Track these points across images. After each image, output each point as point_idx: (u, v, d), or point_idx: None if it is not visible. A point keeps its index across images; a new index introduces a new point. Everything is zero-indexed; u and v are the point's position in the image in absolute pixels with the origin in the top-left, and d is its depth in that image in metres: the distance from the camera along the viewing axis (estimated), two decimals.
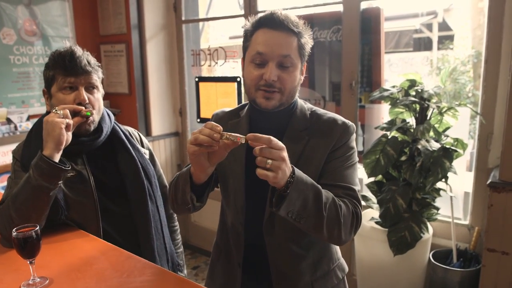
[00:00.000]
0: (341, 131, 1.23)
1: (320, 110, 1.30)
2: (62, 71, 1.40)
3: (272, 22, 1.17)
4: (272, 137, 1.00)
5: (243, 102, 3.28)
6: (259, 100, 1.20)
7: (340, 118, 1.27)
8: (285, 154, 1.02)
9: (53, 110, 1.33)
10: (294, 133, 1.24)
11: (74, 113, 1.36)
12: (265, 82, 1.16)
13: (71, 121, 1.32)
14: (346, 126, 1.25)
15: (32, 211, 1.30)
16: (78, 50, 1.44)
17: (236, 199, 1.27)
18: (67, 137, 1.32)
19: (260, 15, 1.21)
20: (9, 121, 2.83)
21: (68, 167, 1.33)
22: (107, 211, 1.46)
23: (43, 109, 3.00)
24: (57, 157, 1.30)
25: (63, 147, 1.31)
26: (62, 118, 1.31)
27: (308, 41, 1.21)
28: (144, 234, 1.48)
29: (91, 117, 1.41)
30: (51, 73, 1.43)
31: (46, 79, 1.46)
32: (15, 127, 2.84)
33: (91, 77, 1.44)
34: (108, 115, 1.56)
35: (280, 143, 1.01)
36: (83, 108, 1.38)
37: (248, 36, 1.23)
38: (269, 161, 0.98)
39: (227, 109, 1.42)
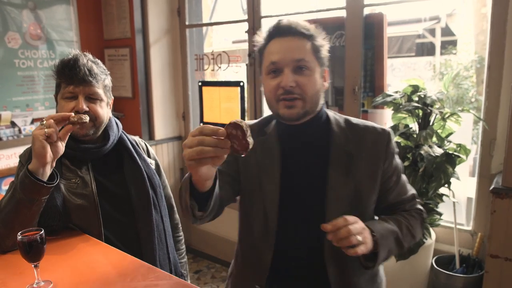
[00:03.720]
0: (386, 141, 1.22)
1: (353, 119, 1.27)
2: (64, 79, 1.41)
3: (280, 30, 1.14)
4: (344, 217, 1.02)
5: (246, 107, 3.24)
6: (282, 111, 1.14)
7: (377, 125, 1.26)
8: (361, 222, 1.06)
9: (40, 122, 1.27)
10: (340, 152, 1.19)
11: (70, 122, 1.29)
12: (283, 90, 1.11)
13: (51, 130, 1.23)
14: (386, 133, 1.24)
15: (15, 223, 1.28)
16: (83, 58, 1.42)
17: (267, 221, 1.20)
18: (56, 147, 1.26)
19: (267, 28, 1.19)
20: (13, 124, 2.85)
21: (55, 182, 1.29)
22: (110, 218, 1.46)
23: (47, 113, 3.01)
24: (43, 171, 1.25)
25: (47, 159, 1.23)
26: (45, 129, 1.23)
27: (323, 44, 1.17)
28: (147, 243, 1.48)
29: (86, 122, 1.34)
30: (57, 80, 1.44)
31: (55, 85, 1.47)
32: (19, 131, 2.86)
33: (91, 87, 1.41)
34: (117, 124, 1.57)
35: (351, 217, 1.03)
36: (71, 114, 1.30)
37: (262, 51, 1.20)
38: (358, 237, 1.01)
39: (252, 121, 1.31)
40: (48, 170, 1.27)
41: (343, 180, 1.17)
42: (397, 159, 1.26)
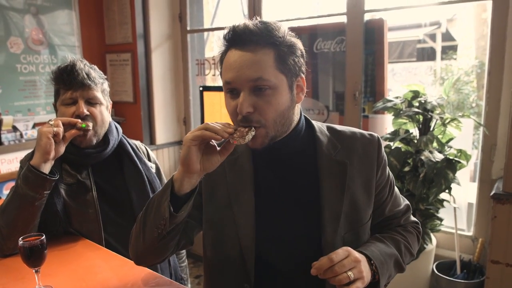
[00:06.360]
0: (377, 148, 1.10)
1: (338, 126, 1.14)
2: (63, 85, 1.42)
3: (237, 39, 0.96)
4: (330, 255, 0.91)
5: None
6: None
7: (364, 131, 1.13)
8: (354, 254, 0.94)
9: (47, 121, 1.33)
10: (331, 162, 1.05)
11: (72, 126, 1.36)
12: (241, 117, 0.96)
13: (59, 129, 1.30)
14: (376, 139, 1.11)
15: (18, 220, 1.30)
16: (79, 63, 1.43)
17: (245, 261, 1.03)
18: (59, 147, 1.32)
19: (224, 31, 1.00)
20: (15, 129, 2.85)
21: (56, 177, 1.32)
22: (111, 222, 1.47)
23: (48, 117, 3.01)
24: (44, 167, 1.30)
25: (51, 156, 1.30)
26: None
27: (293, 48, 0.98)
28: None
29: (90, 131, 1.40)
30: (55, 87, 1.46)
31: (54, 93, 1.49)
32: (21, 135, 2.86)
33: (91, 91, 1.43)
34: (116, 128, 1.57)
35: (341, 251, 0.93)
36: (79, 120, 1.37)
37: (222, 60, 1.04)
38: (350, 273, 0.91)
39: None
40: (49, 167, 1.32)
41: (338, 194, 1.03)
42: (388, 169, 1.15)
